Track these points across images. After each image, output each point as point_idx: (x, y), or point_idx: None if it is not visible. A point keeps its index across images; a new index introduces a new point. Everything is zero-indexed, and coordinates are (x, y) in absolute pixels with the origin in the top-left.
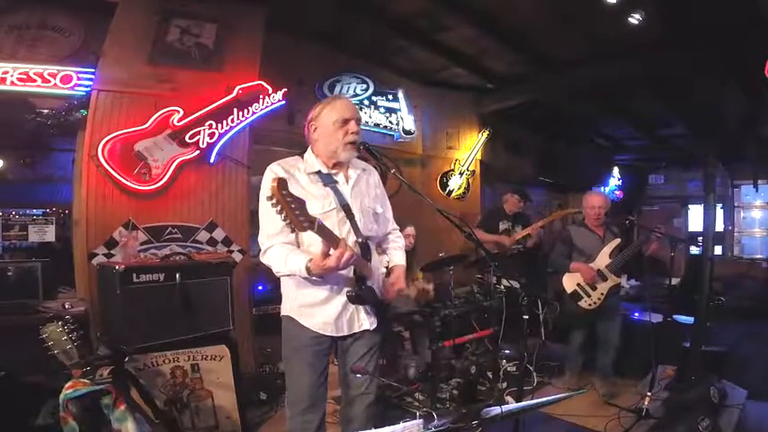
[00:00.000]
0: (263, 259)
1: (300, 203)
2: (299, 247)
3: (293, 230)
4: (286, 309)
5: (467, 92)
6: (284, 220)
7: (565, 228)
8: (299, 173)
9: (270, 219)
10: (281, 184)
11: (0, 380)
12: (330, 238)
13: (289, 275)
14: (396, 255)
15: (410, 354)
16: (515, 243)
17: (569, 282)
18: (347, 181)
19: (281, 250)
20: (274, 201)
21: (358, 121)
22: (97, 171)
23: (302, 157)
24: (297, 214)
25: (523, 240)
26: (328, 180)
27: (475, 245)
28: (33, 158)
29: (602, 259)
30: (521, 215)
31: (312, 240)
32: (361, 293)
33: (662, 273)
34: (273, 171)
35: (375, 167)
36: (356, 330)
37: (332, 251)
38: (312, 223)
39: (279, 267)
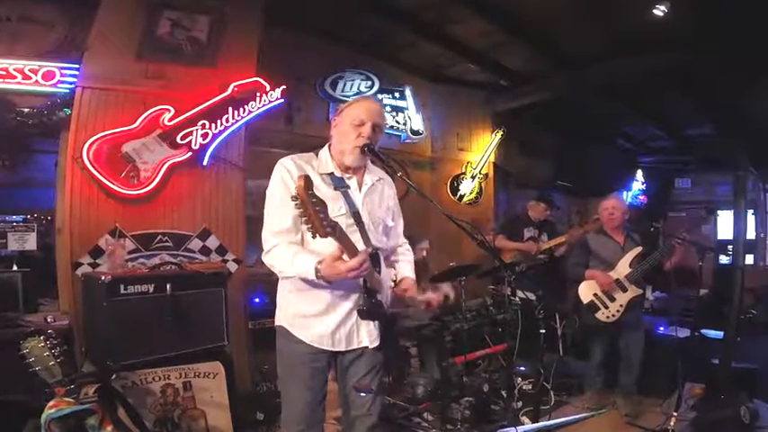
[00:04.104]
0: (266, 259)
1: (324, 206)
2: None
3: (314, 236)
4: (280, 318)
5: (479, 89)
6: (305, 223)
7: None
8: (312, 171)
9: (277, 215)
10: (308, 183)
11: None
12: (348, 246)
13: (290, 278)
14: (404, 267)
15: (418, 371)
16: (542, 253)
17: (586, 291)
18: (360, 188)
19: (288, 250)
20: (299, 201)
21: (376, 126)
22: (82, 174)
23: (317, 155)
24: (321, 218)
25: (550, 251)
26: (340, 184)
27: (488, 253)
28: (13, 161)
29: (622, 268)
30: (547, 222)
31: (321, 243)
32: (371, 308)
33: (689, 284)
34: (284, 166)
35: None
36: (354, 346)
37: (346, 257)
38: (333, 229)
39: (283, 267)
